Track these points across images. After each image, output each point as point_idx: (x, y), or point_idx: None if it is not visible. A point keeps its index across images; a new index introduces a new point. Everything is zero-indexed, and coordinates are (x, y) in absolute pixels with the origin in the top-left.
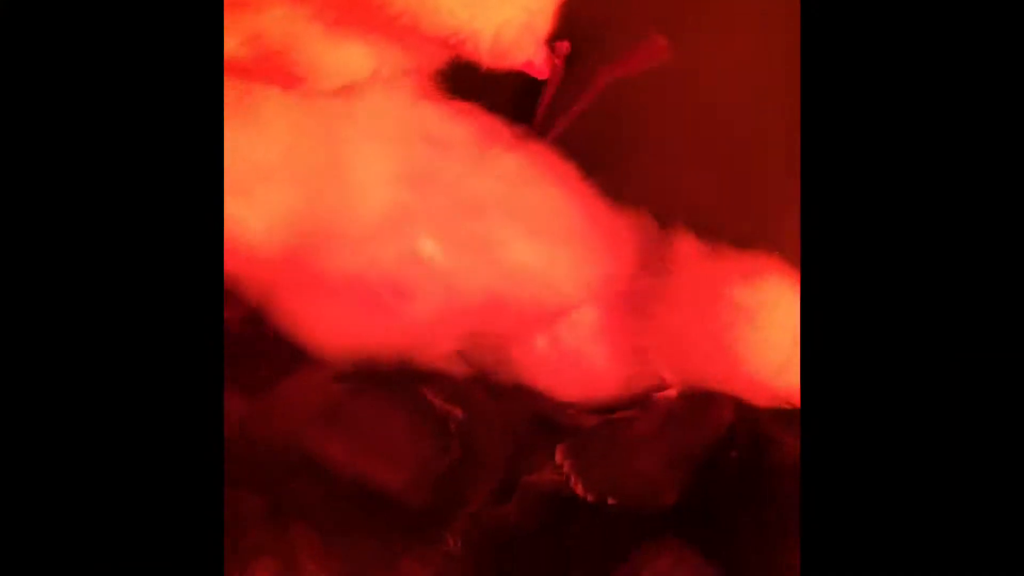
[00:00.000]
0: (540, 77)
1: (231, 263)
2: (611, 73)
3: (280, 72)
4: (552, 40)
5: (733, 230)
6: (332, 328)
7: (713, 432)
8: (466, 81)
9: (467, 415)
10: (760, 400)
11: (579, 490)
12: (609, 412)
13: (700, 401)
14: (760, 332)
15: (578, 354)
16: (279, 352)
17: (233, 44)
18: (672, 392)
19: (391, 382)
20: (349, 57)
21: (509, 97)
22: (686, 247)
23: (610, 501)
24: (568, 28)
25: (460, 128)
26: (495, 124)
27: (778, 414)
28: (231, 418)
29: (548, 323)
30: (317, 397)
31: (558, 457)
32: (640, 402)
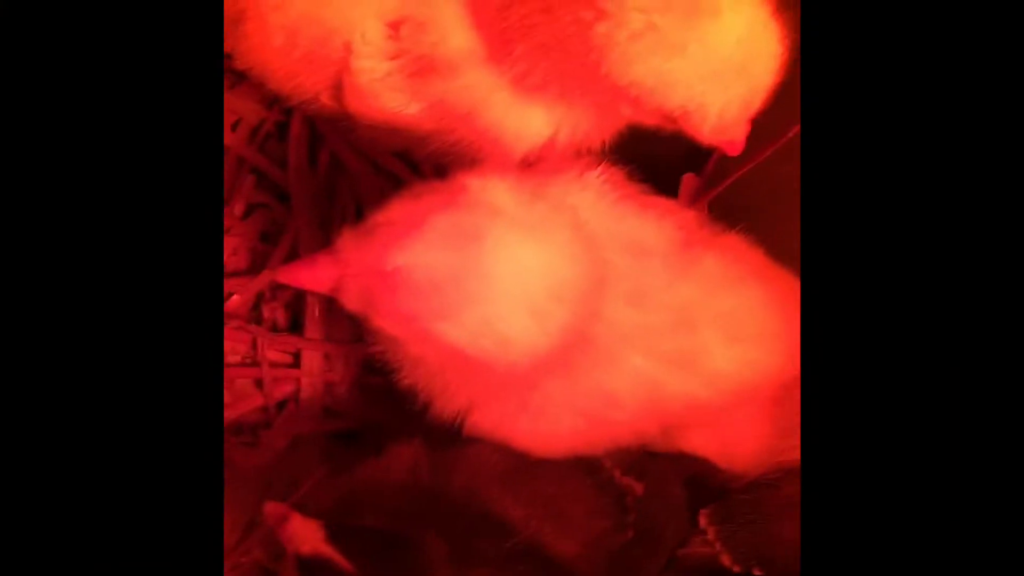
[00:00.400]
0: (734, 154)
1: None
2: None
3: (463, 139)
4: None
5: None
6: (537, 432)
7: None
8: (633, 147)
9: (646, 491)
10: None
11: (725, 560)
12: (758, 477)
13: None
14: None
15: (740, 423)
16: None
17: (416, 109)
18: None
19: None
20: (529, 122)
21: (673, 156)
22: None
23: (756, 572)
24: None
25: (661, 233)
26: (689, 219)
27: None
28: (415, 466)
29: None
30: (499, 458)
31: (702, 521)
32: (787, 468)
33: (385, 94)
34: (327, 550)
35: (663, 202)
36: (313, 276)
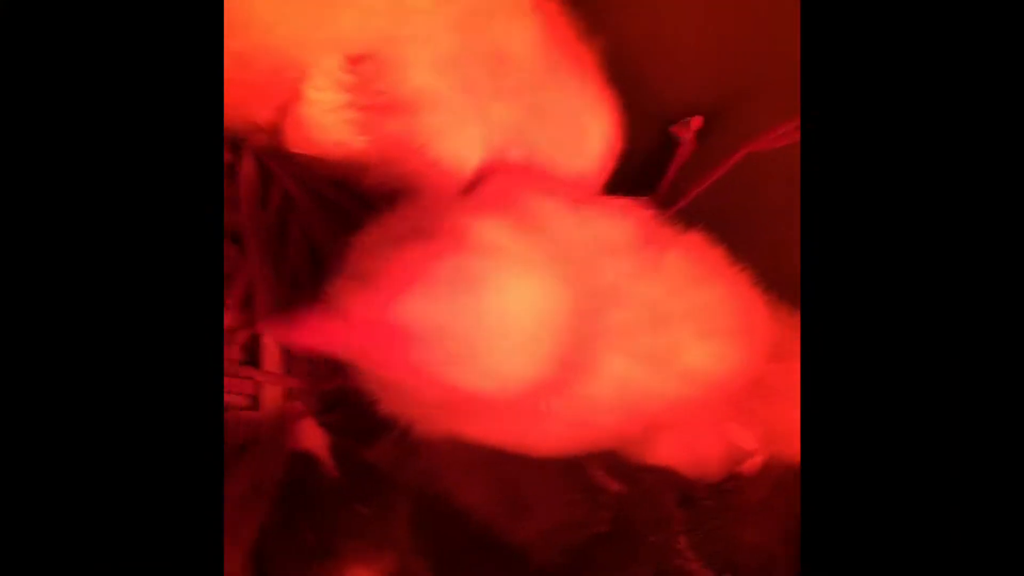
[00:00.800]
0: None
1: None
2: (749, 148)
3: (408, 171)
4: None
5: None
6: (524, 445)
7: None
8: None
9: (628, 491)
10: None
11: (696, 568)
12: (720, 484)
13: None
14: None
15: (708, 430)
16: None
17: (363, 143)
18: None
19: None
20: (472, 148)
21: (635, 166)
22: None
23: None
24: (704, 103)
25: (626, 231)
26: (649, 218)
27: None
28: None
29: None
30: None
31: (675, 526)
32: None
33: (335, 127)
34: (322, 454)
35: (621, 201)
36: (307, 334)
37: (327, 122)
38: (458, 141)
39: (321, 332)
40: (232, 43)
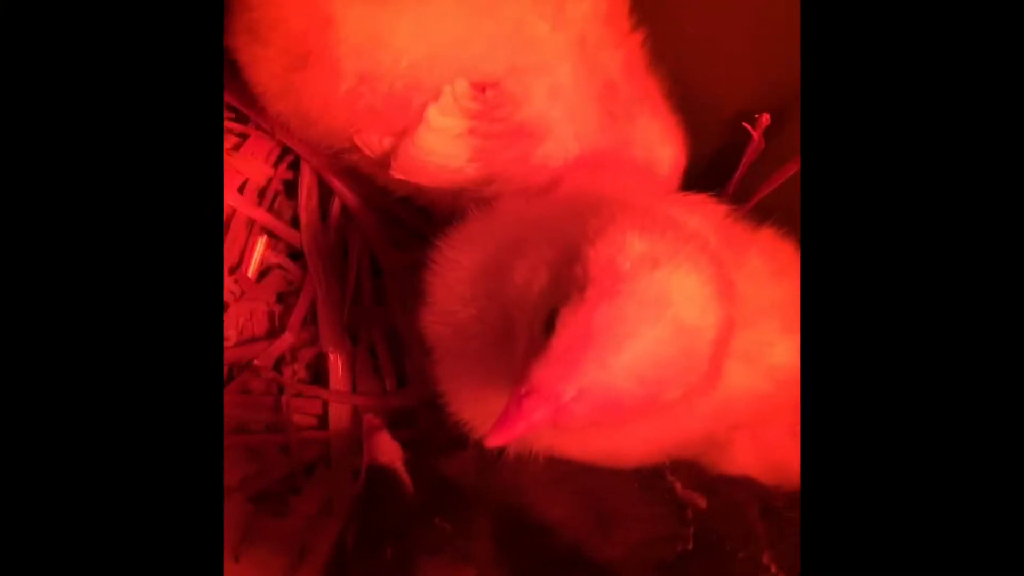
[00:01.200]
0: None
1: None
2: None
3: (503, 187)
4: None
5: None
6: (608, 449)
7: None
8: None
9: (711, 506)
10: None
11: None
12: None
13: None
14: None
15: (778, 436)
16: None
17: (472, 170)
18: None
19: None
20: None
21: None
22: None
23: None
24: (772, 100)
25: (707, 228)
26: (723, 213)
27: None
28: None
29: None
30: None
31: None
32: None
33: (452, 154)
34: (399, 468)
35: (696, 197)
36: (532, 423)
37: (446, 149)
38: (561, 164)
39: (539, 418)
40: (352, 63)
